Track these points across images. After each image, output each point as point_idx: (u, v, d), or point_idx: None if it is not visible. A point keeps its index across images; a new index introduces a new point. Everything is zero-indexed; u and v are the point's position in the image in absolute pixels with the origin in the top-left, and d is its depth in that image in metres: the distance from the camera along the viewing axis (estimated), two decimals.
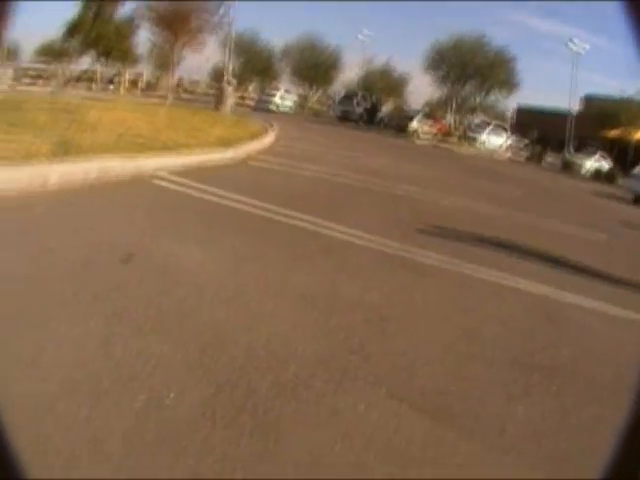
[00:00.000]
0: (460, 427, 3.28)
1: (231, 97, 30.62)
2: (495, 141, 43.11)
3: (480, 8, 62.29)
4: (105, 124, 12.33)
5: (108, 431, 2.68)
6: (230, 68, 33.25)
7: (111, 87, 46.53)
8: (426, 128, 43.15)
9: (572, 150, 42.59)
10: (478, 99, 53.13)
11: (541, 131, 45.99)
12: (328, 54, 58.49)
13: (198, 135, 13.63)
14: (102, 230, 5.89)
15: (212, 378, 3.31)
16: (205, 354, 3.58)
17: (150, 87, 50.62)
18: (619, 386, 3.91)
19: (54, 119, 11.75)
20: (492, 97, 53.29)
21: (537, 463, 3.09)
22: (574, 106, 47.99)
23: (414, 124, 42.06)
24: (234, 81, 33.64)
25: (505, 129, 45.99)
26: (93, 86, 43.73)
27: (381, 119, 45.82)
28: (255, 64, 57.02)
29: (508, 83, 52.06)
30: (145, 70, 55.82)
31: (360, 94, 47.60)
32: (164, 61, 43.69)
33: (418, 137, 40.18)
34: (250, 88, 59.07)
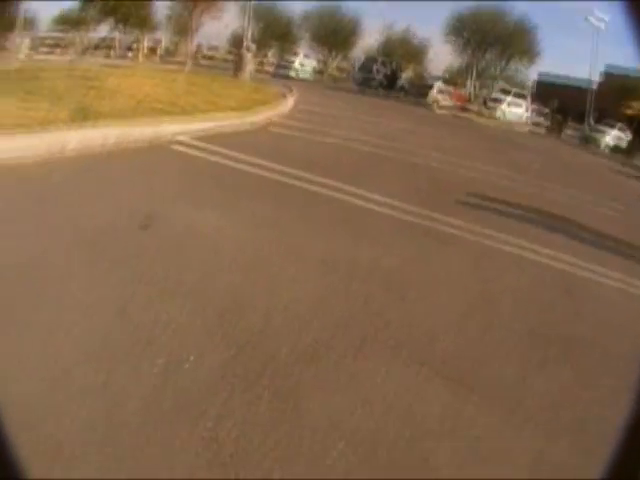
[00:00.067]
0: (479, 398, 3.26)
1: (250, 63, 30.33)
2: (515, 112, 42.55)
3: None
4: (124, 90, 12.25)
5: (126, 396, 2.69)
6: (249, 34, 32.90)
7: (129, 54, 46.32)
8: (446, 97, 42.65)
9: (592, 122, 41.98)
10: (498, 68, 52.46)
11: (561, 102, 45.40)
12: (348, 20, 57.68)
13: (217, 101, 13.52)
14: (121, 196, 5.87)
15: (231, 343, 3.30)
16: (224, 319, 3.58)
17: (169, 54, 50.30)
18: (636, 358, 3.87)
19: (72, 86, 11.69)
20: (512, 67, 52.59)
21: (555, 435, 3.06)
22: (594, 79, 47.14)
23: (434, 93, 41.56)
24: (253, 47, 33.29)
25: (525, 97, 45.30)
26: (111, 53, 43.57)
27: (401, 86, 45.35)
28: (274, 30, 56.39)
29: (529, 52, 51.27)
30: (163, 37, 55.40)
31: (380, 60, 47.01)
32: (183, 28, 43.37)
33: (438, 106, 39.72)
34: (269, 54, 58.51)
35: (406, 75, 50.49)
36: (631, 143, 37.49)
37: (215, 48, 58.83)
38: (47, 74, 14.16)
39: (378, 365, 3.36)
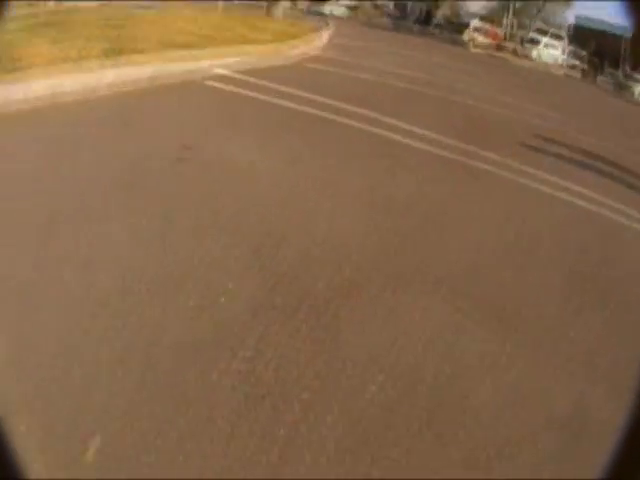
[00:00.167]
0: (519, 337, 3.21)
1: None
2: (552, 53, 41.35)
3: None
4: (158, 26, 12.06)
5: (162, 330, 2.65)
6: None
7: None
8: (482, 36, 41.53)
9: (628, 69, 40.64)
10: (536, 8, 50.71)
11: (598, 46, 44.00)
12: None
13: (254, 36, 13.25)
14: (157, 132, 5.76)
15: (267, 276, 3.26)
16: (260, 253, 3.52)
17: None
18: None
19: (105, 26, 11.51)
20: (550, 8, 50.82)
21: (594, 379, 3.00)
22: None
23: (470, 31, 40.48)
24: None
25: (562, 38, 43.91)
26: None
27: (437, 23, 44.16)
28: None
29: None
30: None
31: None
32: None
33: (474, 45, 38.71)
34: None
35: (442, 12, 49.13)
36: None
37: None
38: (78, 16, 13.96)
39: (417, 300, 3.30)
